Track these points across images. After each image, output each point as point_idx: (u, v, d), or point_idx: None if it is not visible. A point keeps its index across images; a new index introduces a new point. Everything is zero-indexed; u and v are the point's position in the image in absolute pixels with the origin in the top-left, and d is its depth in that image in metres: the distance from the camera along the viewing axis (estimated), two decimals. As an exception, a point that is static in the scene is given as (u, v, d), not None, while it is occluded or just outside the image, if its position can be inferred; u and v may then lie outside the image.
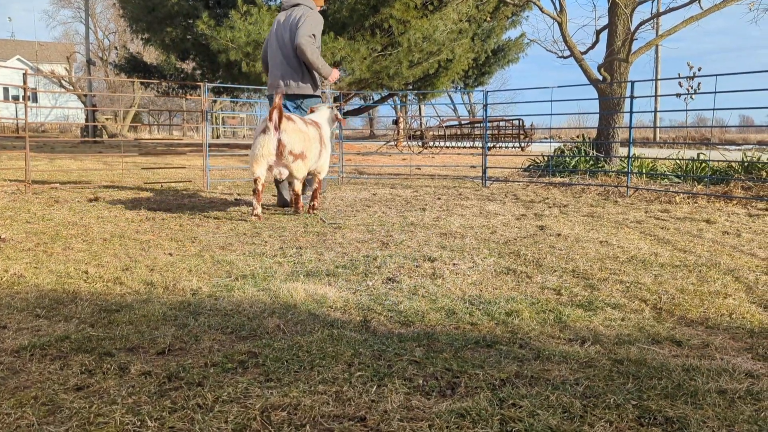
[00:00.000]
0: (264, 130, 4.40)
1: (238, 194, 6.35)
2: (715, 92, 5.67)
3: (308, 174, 4.89)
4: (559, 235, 4.15)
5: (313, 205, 5.03)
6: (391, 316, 2.36)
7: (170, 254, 3.36)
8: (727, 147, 23.71)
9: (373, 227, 4.36)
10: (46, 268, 2.97)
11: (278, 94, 4.43)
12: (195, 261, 3.20)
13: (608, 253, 3.56)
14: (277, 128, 4.34)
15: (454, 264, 3.25)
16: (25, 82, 6.07)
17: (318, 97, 5.44)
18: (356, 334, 2.12)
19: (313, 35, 5.15)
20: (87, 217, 4.55)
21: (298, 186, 4.77)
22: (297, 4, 5.30)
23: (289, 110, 5.24)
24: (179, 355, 1.93)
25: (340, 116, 5.31)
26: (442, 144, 20.65)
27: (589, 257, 3.46)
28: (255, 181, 4.47)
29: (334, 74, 5.26)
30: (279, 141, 4.36)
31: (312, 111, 5.19)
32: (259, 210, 4.54)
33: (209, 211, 5.06)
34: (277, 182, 5.23)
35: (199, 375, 1.74)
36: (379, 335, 2.14)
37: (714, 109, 5.93)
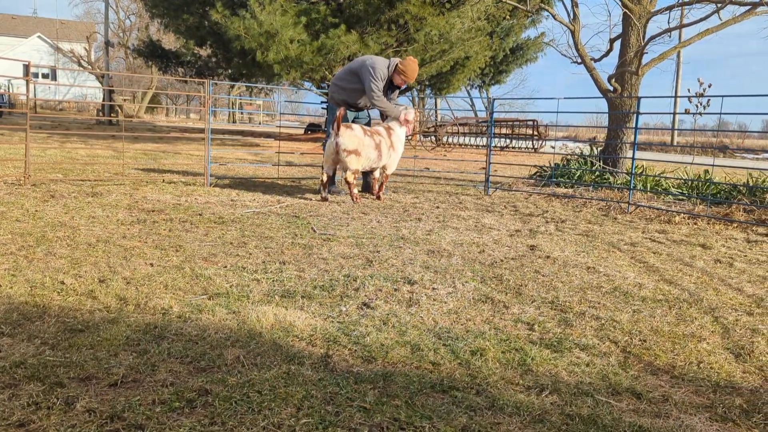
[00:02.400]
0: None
1: (236, 194, 6.35)
2: (720, 113, 5.57)
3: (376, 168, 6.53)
4: (548, 257, 4.11)
5: (379, 195, 6.58)
6: (354, 350, 2.35)
7: (151, 264, 3.37)
8: (744, 155, 23.38)
9: (363, 240, 4.35)
10: (22, 277, 2.99)
11: (340, 109, 5.93)
12: (174, 274, 3.20)
13: (592, 282, 3.52)
14: (337, 134, 5.95)
15: (433, 288, 3.23)
16: (27, 74, 6.09)
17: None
18: (313, 373, 2.11)
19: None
20: (78, 217, 4.58)
21: (349, 176, 6.10)
22: None
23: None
24: (131, 387, 1.93)
25: (405, 118, 6.54)
26: (454, 141, 20.57)
27: (572, 286, 3.42)
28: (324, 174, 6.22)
29: None
30: (337, 143, 5.94)
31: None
32: (324, 194, 6.23)
33: (203, 213, 5.08)
34: (364, 173, 6.78)
35: (143, 415, 1.75)
36: (337, 373, 2.13)
37: (720, 113, 5.82)
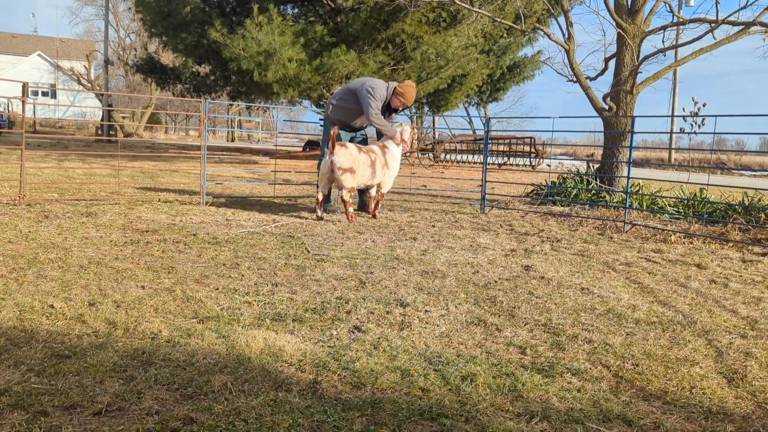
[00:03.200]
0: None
1: (232, 213, 6.35)
2: (715, 132, 5.59)
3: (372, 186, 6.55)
4: (542, 278, 4.10)
5: (374, 214, 6.59)
6: (344, 376, 2.33)
7: (142, 287, 3.36)
8: (742, 172, 23.43)
9: (357, 261, 4.33)
10: (12, 300, 2.97)
11: (334, 128, 5.99)
12: (165, 297, 3.19)
13: (586, 304, 3.50)
14: (332, 153, 5.96)
15: (426, 311, 3.21)
16: (24, 94, 6.12)
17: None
18: (301, 400, 2.09)
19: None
20: (71, 238, 4.57)
21: (345, 194, 6.11)
22: None
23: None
24: (115, 416, 1.91)
25: (402, 138, 6.61)
26: (452, 158, 20.62)
27: (565, 308, 3.41)
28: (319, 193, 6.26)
29: None
30: (332, 162, 5.97)
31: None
32: (320, 213, 6.24)
33: (197, 233, 5.07)
34: (360, 192, 6.91)
35: (126, 445, 1.72)
36: (325, 400, 2.11)
37: (715, 132, 5.84)
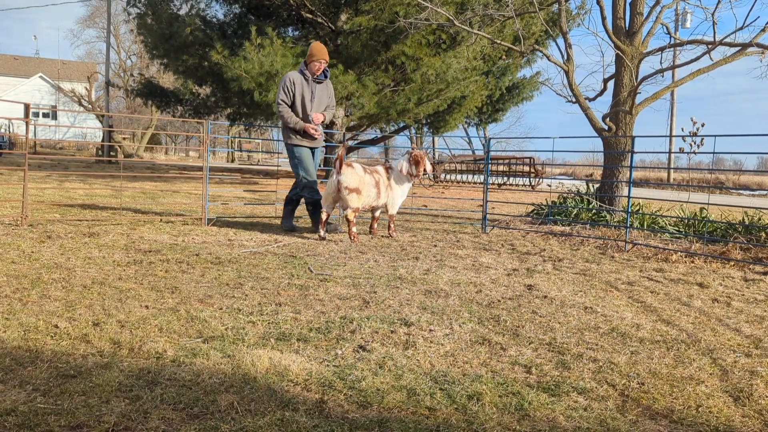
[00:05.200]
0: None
1: (234, 233, 6.35)
2: (714, 152, 5.63)
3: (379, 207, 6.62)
4: (545, 297, 4.10)
5: (390, 234, 6.65)
6: (350, 396, 2.32)
7: (146, 307, 3.36)
8: (740, 191, 23.50)
9: (360, 280, 4.33)
10: (16, 320, 2.97)
11: (341, 147, 6.14)
12: (169, 317, 3.19)
13: (590, 323, 3.50)
14: (338, 172, 6.03)
15: (430, 330, 3.21)
16: (27, 115, 6.16)
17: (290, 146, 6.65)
18: (307, 419, 2.09)
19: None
20: (74, 258, 4.57)
21: (350, 214, 6.11)
22: None
23: None
24: (122, 436, 1.90)
25: (406, 170, 6.48)
26: (452, 178, 20.70)
27: (569, 327, 3.41)
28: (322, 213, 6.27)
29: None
30: (339, 181, 6.02)
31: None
32: (322, 233, 6.21)
33: (200, 253, 5.07)
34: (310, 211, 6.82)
35: (134, 465, 1.72)
36: (332, 420, 2.10)
37: (714, 152, 5.88)
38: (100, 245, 5.16)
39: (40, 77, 44.80)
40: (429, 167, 6.55)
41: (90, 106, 36.94)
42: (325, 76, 6.68)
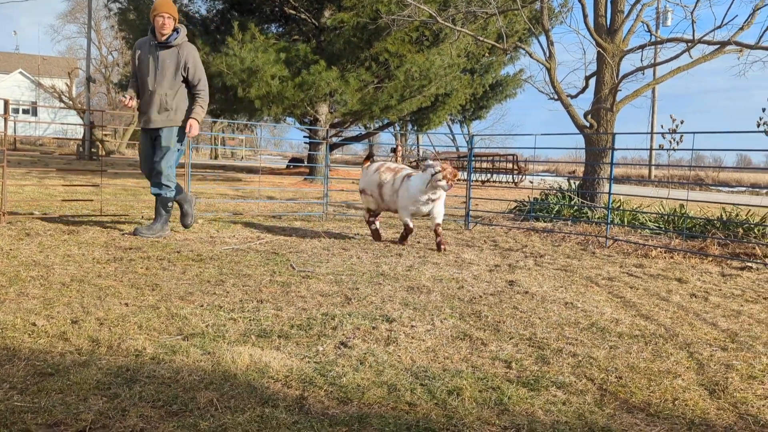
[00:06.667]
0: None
1: (216, 230, 6.32)
2: (693, 149, 5.70)
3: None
4: (526, 292, 4.13)
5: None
6: (330, 392, 2.32)
7: (126, 304, 3.33)
8: (719, 188, 23.80)
9: (342, 277, 4.33)
10: (-7, 319, 2.93)
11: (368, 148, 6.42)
12: (149, 314, 3.16)
13: (570, 318, 3.53)
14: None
15: (412, 326, 3.22)
16: (6, 112, 6.07)
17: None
18: (287, 415, 2.08)
19: None
20: (53, 255, 4.52)
21: (364, 214, 6.11)
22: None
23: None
24: (100, 434, 1.89)
25: (435, 184, 5.45)
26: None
27: (549, 322, 3.43)
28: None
29: None
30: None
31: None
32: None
33: (181, 250, 5.04)
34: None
35: (111, 463, 1.71)
36: (312, 416, 2.10)
37: (693, 149, 5.95)
38: (80, 242, 5.11)
39: (20, 73, 44.20)
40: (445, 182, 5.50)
41: (71, 102, 36.50)
42: (178, 36, 5.45)
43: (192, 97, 5.61)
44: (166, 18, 5.34)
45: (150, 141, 5.64)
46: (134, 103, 5.52)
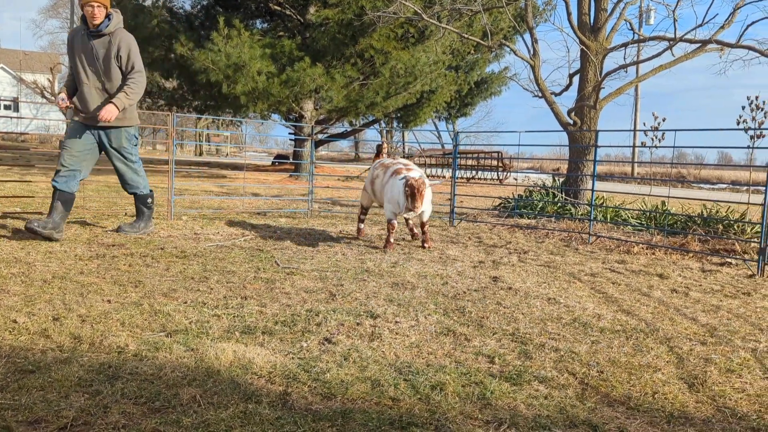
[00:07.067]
0: None
1: (200, 227, 6.29)
2: (674, 146, 5.76)
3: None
4: (510, 288, 4.16)
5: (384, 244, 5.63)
6: (314, 387, 2.33)
7: (108, 301, 3.31)
8: (701, 185, 24.05)
9: (327, 273, 4.34)
10: (-27, 317, 2.90)
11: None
12: (132, 311, 3.15)
13: (553, 313, 3.56)
14: None
15: (396, 322, 3.23)
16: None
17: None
18: (270, 411, 2.09)
19: None
20: (35, 252, 4.48)
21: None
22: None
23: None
24: (81, 431, 1.88)
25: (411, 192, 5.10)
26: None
27: (532, 317, 3.46)
28: None
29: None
30: None
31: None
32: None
33: (165, 247, 5.01)
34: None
35: (92, 459, 1.70)
36: (295, 411, 2.11)
37: (674, 146, 6.02)
38: (62, 239, 5.06)
39: (1, 68, 43.59)
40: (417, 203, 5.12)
41: (53, 97, 36.07)
42: (110, 23, 4.99)
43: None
44: (95, 7, 4.90)
45: (93, 137, 5.19)
46: (68, 104, 5.15)
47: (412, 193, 5.08)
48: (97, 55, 5.04)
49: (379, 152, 6.38)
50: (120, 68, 5.12)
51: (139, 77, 5.15)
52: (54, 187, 5.09)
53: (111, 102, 5.00)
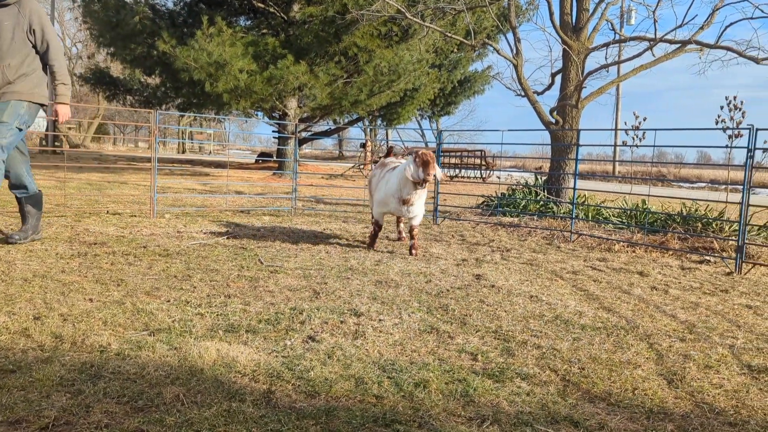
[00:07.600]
0: None
1: (183, 225, 6.25)
2: (655, 146, 5.84)
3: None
4: (492, 286, 4.19)
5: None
6: (298, 386, 2.33)
7: (90, 300, 3.29)
8: (681, 184, 24.34)
9: (311, 271, 4.34)
10: (-48, 316, 2.87)
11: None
12: (114, 310, 3.13)
13: (535, 311, 3.60)
14: None
15: (380, 320, 3.24)
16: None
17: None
18: (254, 409, 2.09)
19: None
20: (15, 251, 4.43)
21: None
22: None
23: None
24: (63, 431, 1.87)
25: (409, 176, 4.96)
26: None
27: (515, 315, 3.49)
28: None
29: None
30: None
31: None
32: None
33: (148, 245, 4.98)
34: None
35: (75, 459, 1.70)
36: (279, 410, 2.11)
37: (654, 146, 6.09)
38: (43, 238, 5.01)
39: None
40: (439, 173, 5.13)
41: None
42: None
43: (46, 70, 4.61)
44: None
45: None
46: None
47: (424, 161, 4.84)
48: (2, 27, 4.36)
49: (389, 153, 6.16)
50: (33, 45, 4.48)
51: (59, 59, 4.56)
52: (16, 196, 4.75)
53: (59, 103, 4.60)
